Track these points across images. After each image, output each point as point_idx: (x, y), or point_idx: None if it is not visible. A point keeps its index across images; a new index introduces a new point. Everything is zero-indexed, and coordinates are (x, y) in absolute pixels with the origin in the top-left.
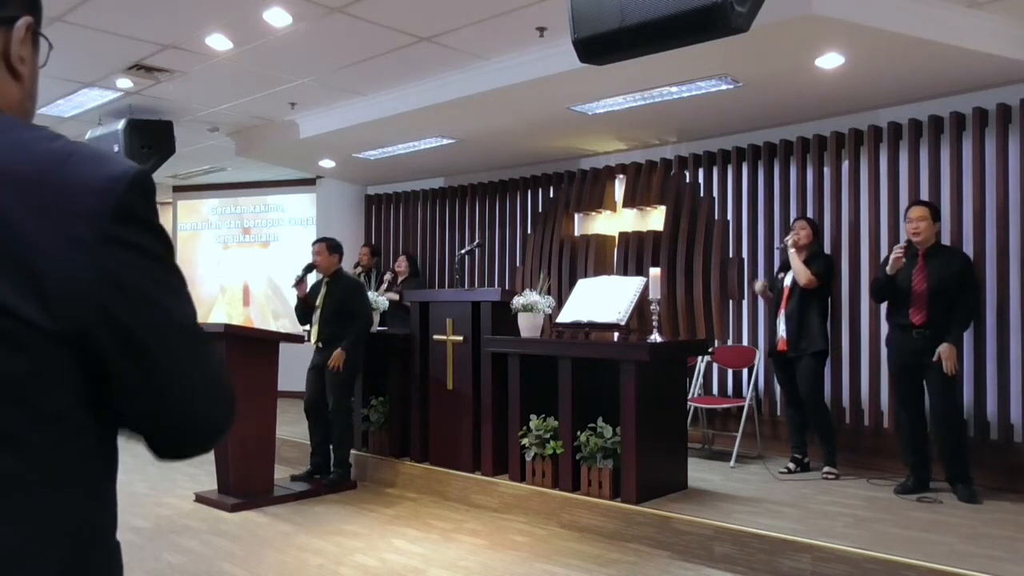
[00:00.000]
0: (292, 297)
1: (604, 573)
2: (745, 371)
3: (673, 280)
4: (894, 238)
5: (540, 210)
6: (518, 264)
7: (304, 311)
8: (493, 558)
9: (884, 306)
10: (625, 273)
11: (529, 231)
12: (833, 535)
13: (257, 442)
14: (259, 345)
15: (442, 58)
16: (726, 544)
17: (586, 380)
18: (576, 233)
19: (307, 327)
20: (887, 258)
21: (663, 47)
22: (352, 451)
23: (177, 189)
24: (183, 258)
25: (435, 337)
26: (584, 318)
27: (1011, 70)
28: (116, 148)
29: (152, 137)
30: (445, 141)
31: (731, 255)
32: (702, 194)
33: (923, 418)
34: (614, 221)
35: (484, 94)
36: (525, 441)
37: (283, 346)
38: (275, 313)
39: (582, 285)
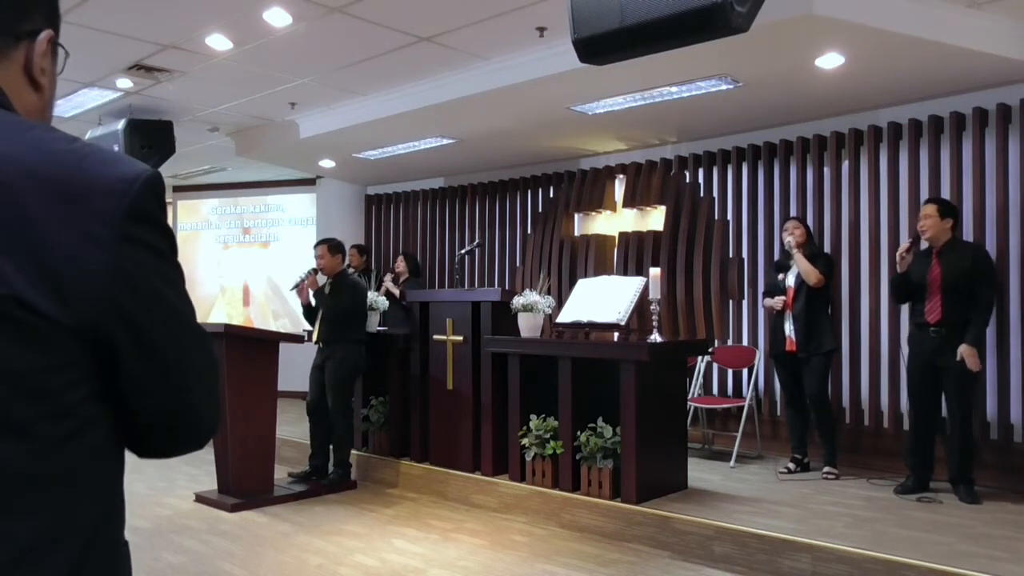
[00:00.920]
0: (292, 298)
1: (604, 573)
2: (745, 371)
3: (673, 280)
4: (894, 238)
5: (540, 210)
6: (518, 264)
7: (311, 313)
8: (493, 558)
9: (906, 305)
10: (625, 273)
11: (529, 231)
12: (833, 535)
13: (257, 442)
14: (259, 345)
15: (442, 58)
16: (726, 544)
17: (586, 380)
18: (576, 233)
19: (310, 328)
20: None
21: (663, 47)
22: (352, 451)
23: (177, 189)
24: (183, 258)
25: (435, 337)
26: (584, 318)
27: (1011, 70)
28: (116, 148)
29: (152, 137)
30: (445, 141)
31: (731, 255)
32: (702, 194)
33: (933, 419)
34: (614, 221)
35: (484, 94)
36: (525, 441)
37: (283, 346)
38: (275, 313)
39: (582, 285)
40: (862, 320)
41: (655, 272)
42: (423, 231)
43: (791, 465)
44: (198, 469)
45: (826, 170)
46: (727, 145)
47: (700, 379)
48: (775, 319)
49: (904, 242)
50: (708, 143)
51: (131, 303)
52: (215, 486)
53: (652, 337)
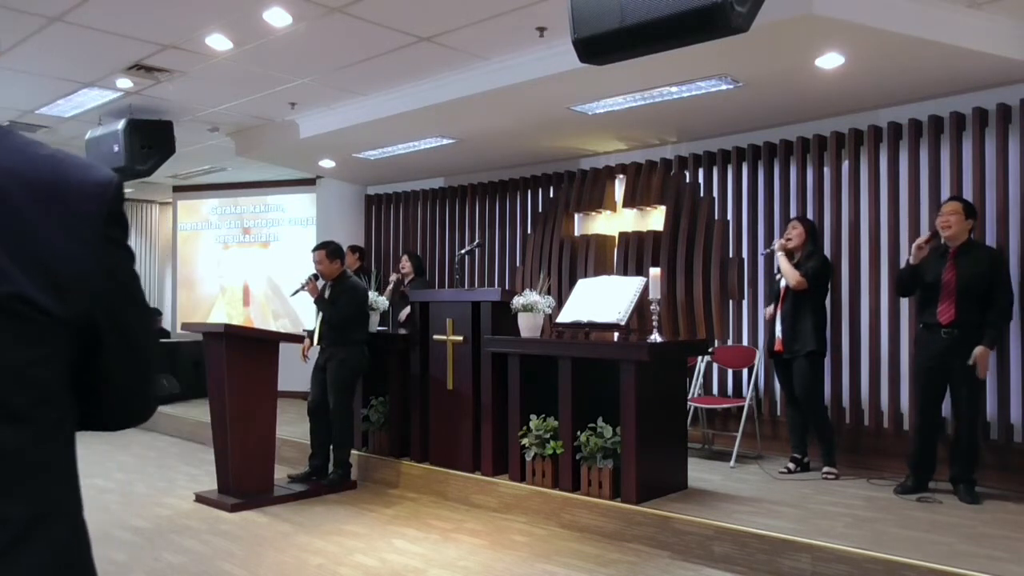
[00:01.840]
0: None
1: (604, 573)
2: (745, 371)
3: (673, 280)
4: (894, 238)
5: (540, 210)
6: (518, 264)
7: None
8: (493, 558)
9: (906, 304)
10: (625, 273)
11: (529, 231)
12: (833, 535)
13: (257, 442)
14: (259, 345)
15: (442, 58)
16: (726, 544)
17: (586, 380)
18: (576, 233)
19: (308, 328)
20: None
21: (663, 47)
22: (352, 451)
23: (177, 189)
24: (183, 258)
25: (435, 337)
26: (584, 318)
27: (1011, 70)
28: (116, 148)
29: (152, 137)
30: (445, 141)
31: (731, 255)
32: (702, 194)
33: (937, 420)
34: (614, 221)
35: (484, 94)
36: (525, 441)
37: (283, 346)
38: (275, 313)
39: (582, 285)
40: (862, 320)
41: (655, 272)
42: (423, 231)
43: (791, 465)
44: (198, 469)
45: (826, 170)
46: (727, 145)
47: (700, 379)
48: (771, 319)
49: (924, 233)
50: (708, 143)
51: (114, 297)
52: (215, 486)
53: (652, 337)
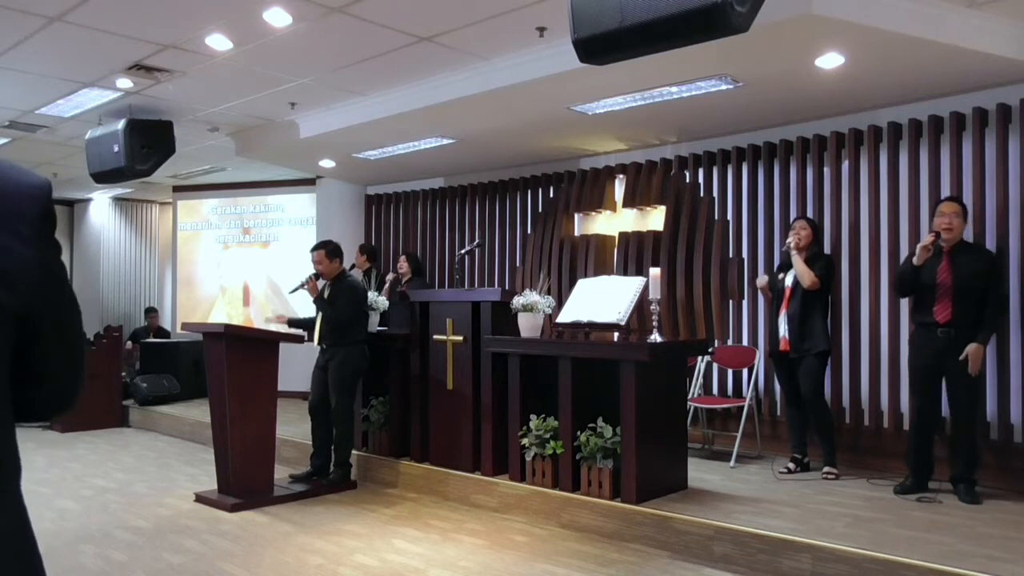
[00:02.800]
0: (292, 298)
1: (604, 573)
2: (745, 371)
3: (673, 280)
4: (894, 238)
5: (540, 210)
6: (518, 264)
7: (309, 322)
8: (493, 558)
9: (906, 304)
10: (625, 273)
11: (529, 231)
12: (833, 535)
13: (257, 442)
14: (259, 345)
15: (442, 58)
16: (726, 544)
17: (586, 380)
18: (576, 233)
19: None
20: (910, 255)
21: (663, 47)
22: (353, 451)
23: (177, 189)
24: (183, 258)
25: (435, 337)
26: (584, 318)
27: (1011, 70)
28: (116, 148)
29: (152, 137)
30: (445, 141)
31: (731, 255)
32: (702, 194)
33: (934, 419)
34: (614, 221)
35: (484, 94)
36: (525, 441)
37: (283, 346)
38: (275, 313)
39: (582, 285)
40: (862, 320)
41: (655, 272)
42: (423, 231)
43: (791, 465)
44: (198, 469)
45: (826, 170)
46: (727, 145)
47: (700, 379)
48: (772, 318)
49: (929, 235)
50: (708, 143)
51: (50, 289)
52: (215, 486)
53: (652, 337)
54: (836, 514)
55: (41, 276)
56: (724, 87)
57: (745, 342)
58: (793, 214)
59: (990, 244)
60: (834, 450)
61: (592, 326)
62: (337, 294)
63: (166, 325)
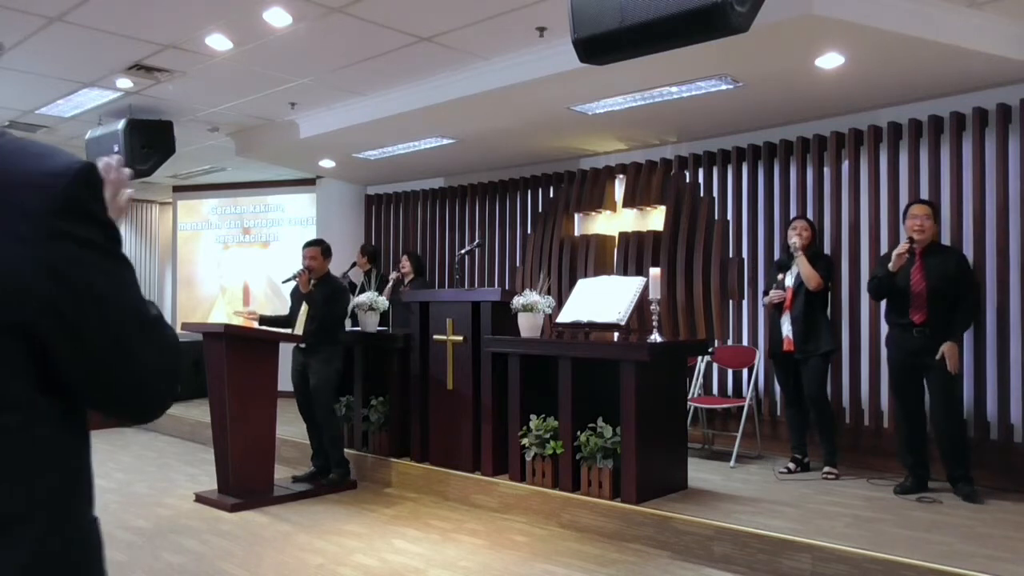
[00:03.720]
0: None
1: (604, 573)
2: (745, 371)
3: (673, 280)
4: (894, 238)
5: (540, 210)
6: (518, 264)
7: (287, 320)
8: (493, 558)
9: (883, 305)
10: (625, 273)
11: (529, 231)
12: (833, 535)
13: (257, 442)
14: (259, 345)
15: (442, 58)
16: (726, 544)
17: (586, 380)
18: (576, 233)
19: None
20: (885, 255)
21: (663, 47)
22: (352, 451)
23: (177, 189)
24: (183, 258)
25: (435, 337)
26: (584, 318)
27: (1011, 70)
28: (116, 148)
29: (152, 137)
30: (445, 141)
31: (731, 255)
32: (702, 194)
33: (922, 418)
34: (614, 221)
35: (484, 94)
36: (525, 441)
37: (283, 346)
38: (248, 310)
39: (582, 285)
40: (862, 320)
41: (655, 272)
42: (423, 231)
43: (791, 465)
44: (198, 469)
45: (826, 170)
46: (727, 145)
47: (700, 379)
48: (773, 319)
49: (903, 242)
50: (708, 143)
51: (64, 301)
52: (215, 486)
53: (652, 337)
54: (836, 514)
55: (40, 282)
56: (724, 87)
57: (745, 342)
58: (793, 214)
59: (990, 244)
60: (835, 450)
61: (592, 326)
62: (326, 294)
63: None
